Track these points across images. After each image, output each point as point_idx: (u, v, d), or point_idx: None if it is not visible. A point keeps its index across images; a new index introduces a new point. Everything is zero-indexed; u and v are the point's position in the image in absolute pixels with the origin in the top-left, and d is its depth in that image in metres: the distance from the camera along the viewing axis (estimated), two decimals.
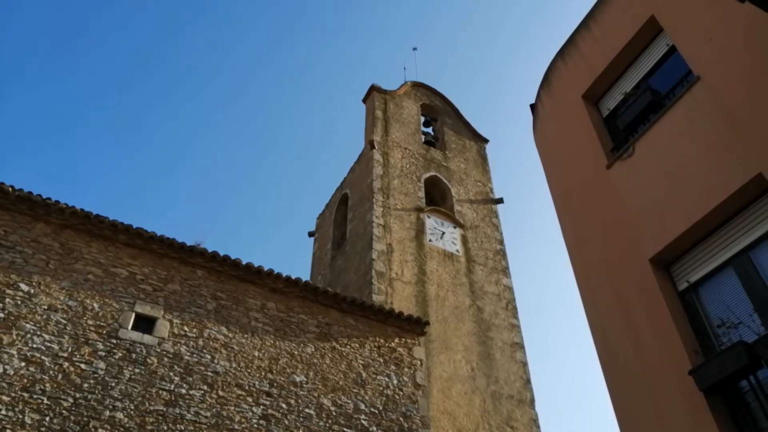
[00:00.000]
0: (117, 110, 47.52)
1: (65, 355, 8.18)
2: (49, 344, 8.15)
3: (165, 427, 8.27)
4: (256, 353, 9.72)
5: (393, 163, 17.07)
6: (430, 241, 15.63)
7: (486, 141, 20.78)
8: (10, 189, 8.85)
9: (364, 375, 10.58)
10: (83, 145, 48.64)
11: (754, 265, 4.68)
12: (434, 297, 14.23)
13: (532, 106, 8.39)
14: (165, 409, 8.43)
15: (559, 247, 48.21)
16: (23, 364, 7.84)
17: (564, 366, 40.31)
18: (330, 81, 56.99)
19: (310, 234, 19.97)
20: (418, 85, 20.85)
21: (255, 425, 8.98)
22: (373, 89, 19.02)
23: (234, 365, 9.38)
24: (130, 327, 8.89)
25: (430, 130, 20.21)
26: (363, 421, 9.98)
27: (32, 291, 8.45)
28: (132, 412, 8.17)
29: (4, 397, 7.50)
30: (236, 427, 8.81)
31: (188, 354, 9.09)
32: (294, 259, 51.28)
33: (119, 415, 8.07)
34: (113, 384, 8.27)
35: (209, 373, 9.09)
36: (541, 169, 8.04)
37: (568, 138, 7.46)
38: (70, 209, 9.18)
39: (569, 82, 7.58)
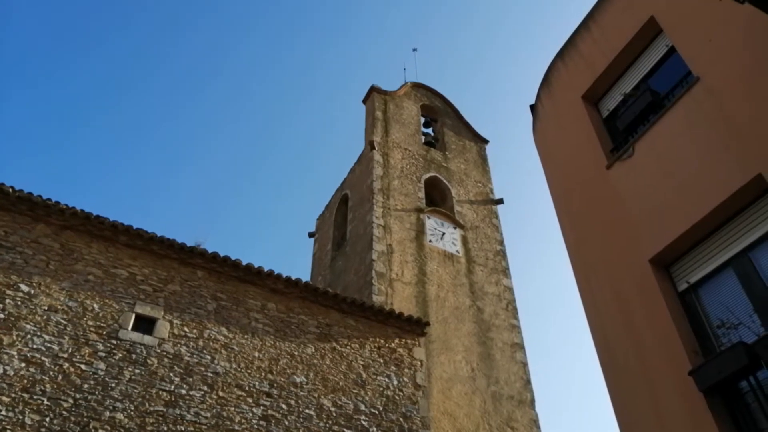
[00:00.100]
0: (117, 110, 47.56)
1: (65, 355, 8.18)
2: (49, 345, 8.16)
3: (165, 428, 8.27)
4: (257, 354, 9.72)
5: (393, 164, 17.07)
6: (430, 241, 15.63)
7: (486, 141, 20.79)
8: (11, 190, 8.85)
9: (364, 376, 10.58)
10: (83, 145, 48.68)
11: (753, 265, 4.69)
12: (434, 298, 14.24)
13: (532, 107, 8.39)
14: (165, 409, 8.43)
15: (559, 248, 48.25)
16: (23, 364, 7.85)
17: (564, 366, 40.31)
18: (330, 81, 57.04)
19: (310, 235, 19.97)
20: (418, 86, 20.86)
21: (255, 426, 8.98)
22: (373, 90, 19.02)
23: (234, 366, 9.38)
24: (130, 328, 8.90)
25: (430, 130, 20.22)
26: (363, 422, 9.98)
27: (32, 292, 8.46)
28: (132, 413, 8.17)
29: (4, 398, 7.51)
30: (236, 427, 8.81)
31: (188, 355, 9.10)
32: (294, 259, 51.34)
33: (119, 415, 8.07)
34: (113, 385, 8.27)
35: (209, 374, 9.09)
36: (541, 170, 8.04)
37: (568, 138, 7.47)
38: (70, 210, 9.18)
39: (569, 83, 7.59)
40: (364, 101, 19.34)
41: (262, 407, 9.22)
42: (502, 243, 17.25)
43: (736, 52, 5.18)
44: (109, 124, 46.98)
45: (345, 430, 9.74)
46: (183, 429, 8.40)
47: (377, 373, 10.75)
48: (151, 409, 8.34)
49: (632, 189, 5.97)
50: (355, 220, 16.47)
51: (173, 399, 8.58)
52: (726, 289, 4.89)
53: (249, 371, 9.47)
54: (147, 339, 8.92)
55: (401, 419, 10.42)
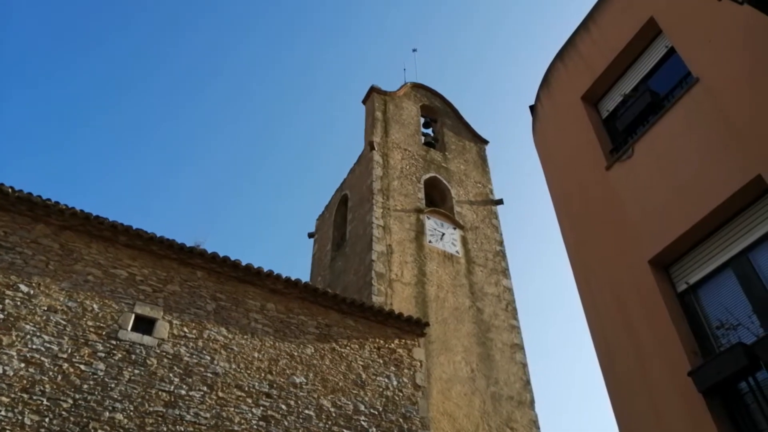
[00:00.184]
0: (117, 110, 47.56)
1: (65, 356, 8.18)
2: (48, 345, 8.15)
3: (164, 428, 8.27)
4: (256, 354, 9.72)
5: (393, 165, 17.08)
6: (429, 242, 15.63)
7: (486, 142, 20.79)
8: (10, 190, 8.85)
9: (363, 376, 10.58)
10: (83, 145, 48.68)
11: (753, 266, 4.69)
12: (434, 298, 14.23)
13: (532, 108, 8.39)
14: (164, 410, 8.43)
15: (559, 248, 48.25)
16: (23, 365, 7.85)
17: (564, 367, 40.32)
18: (330, 82, 57.06)
19: (310, 235, 19.97)
20: (417, 87, 20.87)
21: (254, 426, 8.98)
22: (373, 90, 19.03)
23: (234, 366, 9.38)
24: (129, 328, 8.90)
25: (429, 131, 20.22)
26: (363, 422, 9.98)
27: (32, 292, 8.46)
28: (131, 413, 8.17)
29: (4, 398, 7.50)
30: (236, 428, 8.81)
31: (188, 355, 9.09)
32: (294, 260, 51.34)
33: (119, 416, 8.07)
34: (113, 385, 8.27)
35: (209, 374, 9.09)
36: (541, 170, 8.05)
37: (568, 139, 7.47)
38: (69, 210, 9.18)
39: (569, 84, 7.59)
40: (364, 101, 19.34)
41: (261, 408, 9.22)
42: (501, 243, 17.25)
43: (735, 53, 5.19)
44: (108, 124, 47.01)
45: (344, 430, 9.73)
46: (182, 429, 8.39)
47: (377, 374, 10.75)
48: (151, 409, 8.34)
49: (632, 190, 5.97)
50: (354, 221, 16.47)
51: (173, 399, 8.58)
52: (725, 290, 4.90)
53: (248, 372, 9.47)
54: (146, 339, 8.92)
55: (401, 420, 10.42)
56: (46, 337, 8.20)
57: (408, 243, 15.16)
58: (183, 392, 8.71)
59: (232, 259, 10.21)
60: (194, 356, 9.14)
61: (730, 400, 4.49)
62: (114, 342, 8.64)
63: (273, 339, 10.05)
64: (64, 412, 7.75)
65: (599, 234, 6.39)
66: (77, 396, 7.96)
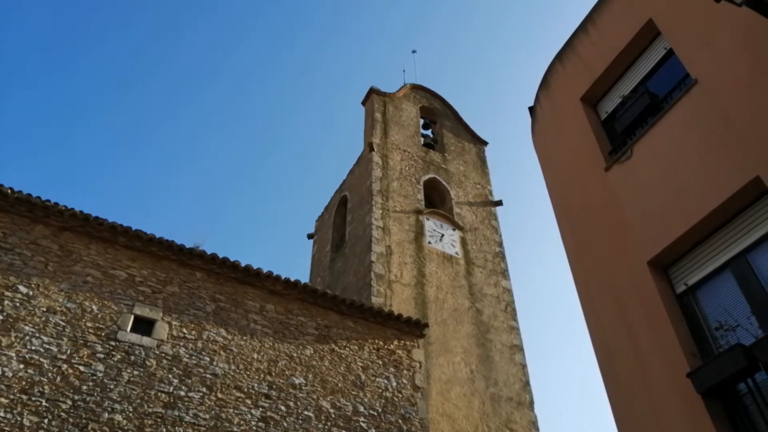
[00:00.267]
0: (117, 110, 47.57)
1: (64, 357, 8.17)
2: (47, 346, 8.15)
3: (164, 430, 8.27)
4: (255, 355, 9.71)
5: (392, 166, 17.08)
6: (429, 243, 15.64)
7: (485, 143, 20.81)
8: (9, 191, 8.85)
9: (363, 377, 10.57)
10: (83, 145, 48.68)
11: (752, 267, 4.70)
12: (433, 299, 14.24)
13: (531, 109, 8.40)
14: (164, 411, 8.43)
15: (558, 249, 48.26)
16: (22, 366, 7.84)
17: (563, 368, 40.32)
18: (329, 83, 57.09)
19: (309, 236, 19.97)
20: (417, 88, 20.89)
21: (254, 427, 8.97)
22: (373, 92, 19.04)
23: (233, 367, 9.38)
24: (128, 329, 8.89)
25: (429, 132, 20.24)
26: (362, 424, 9.98)
27: (31, 293, 8.45)
28: (131, 415, 8.16)
29: (3, 400, 7.50)
30: (235, 429, 8.80)
31: (187, 356, 9.09)
32: (293, 261, 51.33)
33: (118, 417, 8.06)
34: (112, 386, 8.26)
35: (208, 375, 9.08)
36: (540, 172, 8.06)
37: (567, 141, 7.48)
38: (69, 211, 9.18)
39: (568, 85, 7.60)
40: (364, 103, 19.36)
41: (260, 409, 9.22)
42: (501, 245, 17.26)
43: (734, 55, 5.20)
44: (108, 125, 47.01)
45: (344, 431, 9.73)
46: (182, 430, 8.39)
47: (376, 375, 10.75)
48: (150, 410, 8.34)
49: (631, 191, 5.98)
50: (354, 222, 16.47)
51: (172, 400, 8.57)
52: (724, 291, 4.90)
53: (248, 373, 9.46)
54: (146, 340, 8.91)
55: (400, 421, 10.41)
56: (45, 338, 8.19)
57: (407, 244, 15.17)
58: (182, 393, 8.71)
59: (232, 260, 10.21)
60: (193, 357, 9.13)
61: (729, 401, 4.49)
62: (113, 343, 8.63)
63: (272, 340, 10.05)
64: (63, 414, 7.75)
65: (598, 235, 6.40)
66: (76, 397, 7.95)
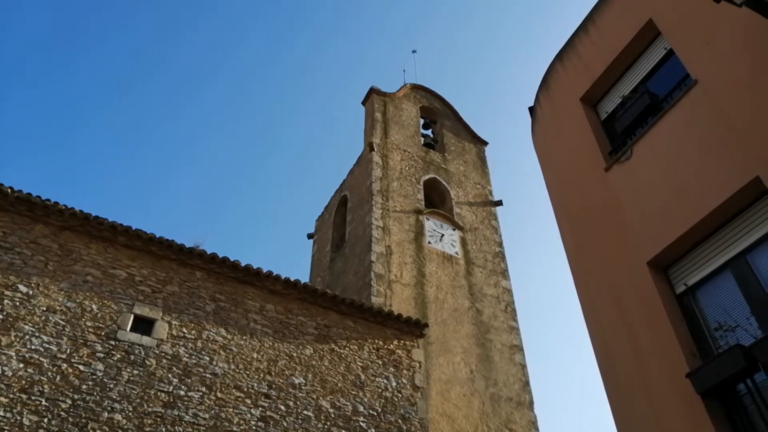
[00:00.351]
0: (116, 110, 47.58)
1: (64, 356, 8.17)
2: (47, 345, 8.15)
3: (163, 429, 8.27)
4: (255, 355, 9.71)
5: (392, 166, 17.08)
6: (429, 243, 15.64)
7: (485, 143, 20.81)
8: (10, 190, 8.85)
9: (362, 377, 10.57)
10: (83, 145, 48.69)
11: (751, 268, 4.70)
12: (433, 299, 14.24)
13: (531, 109, 8.40)
14: (163, 410, 8.43)
15: (558, 250, 48.27)
16: (21, 365, 7.84)
17: (563, 368, 40.32)
18: (329, 82, 57.10)
19: (309, 236, 19.98)
20: (417, 88, 20.89)
21: (253, 427, 8.97)
22: (373, 91, 19.04)
23: (233, 367, 9.38)
24: (128, 328, 8.89)
25: (429, 132, 20.24)
26: (362, 423, 9.98)
27: (31, 292, 8.45)
28: (130, 414, 8.16)
29: (2, 399, 7.50)
30: (235, 429, 8.80)
31: (187, 356, 9.09)
32: (293, 261, 51.33)
33: (117, 416, 8.07)
34: (111, 385, 8.27)
35: (208, 375, 9.08)
36: (540, 172, 8.06)
37: (567, 141, 7.48)
38: (69, 211, 9.18)
39: (568, 85, 7.60)
40: (364, 103, 19.36)
41: (260, 408, 9.22)
42: (501, 245, 17.26)
43: (734, 55, 5.20)
44: (108, 125, 47.02)
45: (343, 431, 9.73)
46: (181, 430, 8.39)
47: (376, 375, 10.75)
48: (150, 410, 8.34)
49: (630, 191, 5.97)
50: (354, 222, 16.47)
51: (171, 400, 8.58)
52: (724, 291, 4.90)
53: (247, 372, 9.46)
54: (145, 340, 8.92)
55: (400, 421, 10.41)
56: (45, 338, 8.20)
57: (407, 244, 15.17)
58: (182, 393, 8.71)
59: (232, 259, 10.21)
60: (193, 357, 9.14)
61: (728, 401, 4.50)
62: (113, 342, 8.64)
63: (272, 340, 10.05)
64: (62, 413, 7.75)
65: (598, 235, 6.40)
66: (76, 396, 7.95)
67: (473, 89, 55.22)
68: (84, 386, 8.08)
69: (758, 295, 4.56)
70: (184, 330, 9.32)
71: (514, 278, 16.98)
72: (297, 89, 56.99)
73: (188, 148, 53.55)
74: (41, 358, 8.01)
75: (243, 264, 10.27)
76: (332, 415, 9.79)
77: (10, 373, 7.71)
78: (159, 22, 50.49)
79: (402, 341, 11.56)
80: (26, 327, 8.16)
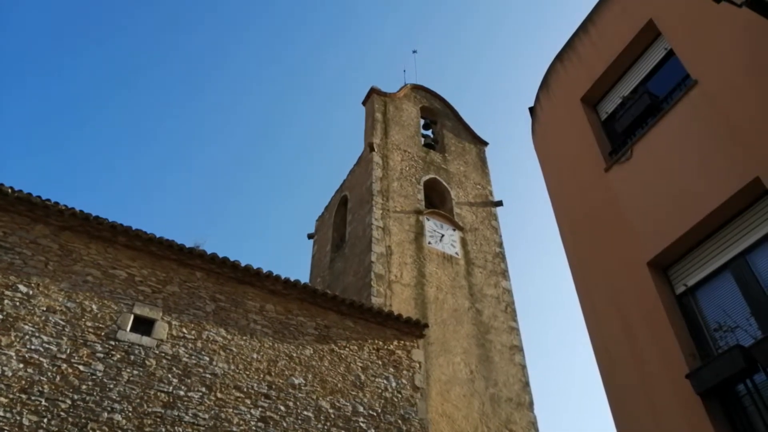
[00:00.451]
0: (117, 110, 47.60)
1: (63, 356, 8.17)
2: (47, 346, 8.15)
3: (163, 429, 8.27)
4: (255, 355, 9.71)
5: (392, 166, 17.09)
6: (429, 243, 15.63)
7: (485, 144, 20.81)
8: (10, 190, 8.85)
9: (362, 377, 10.57)
10: (83, 145, 48.71)
11: (751, 268, 4.69)
12: (433, 299, 14.23)
13: (531, 110, 8.40)
14: (163, 411, 8.43)
15: (559, 250, 48.26)
16: (21, 365, 7.84)
17: (563, 369, 40.31)
18: (330, 83, 57.12)
19: (310, 236, 19.98)
20: (417, 88, 20.89)
21: (253, 427, 8.97)
22: (373, 92, 19.05)
23: (232, 367, 9.38)
24: (128, 329, 8.89)
25: (429, 132, 20.24)
26: (361, 424, 9.98)
27: (31, 292, 8.46)
28: (130, 414, 8.16)
29: (2, 399, 7.50)
30: (234, 429, 8.80)
31: (187, 356, 9.09)
32: (293, 261, 51.34)
33: (117, 416, 8.07)
34: (111, 386, 8.27)
35: (208, 375, 9.08)
36: (540, 172, 8.06)
37: (567, 141, 7.47)
38: (69, 211, 9.18)
39: (568, 86, 7.60)
40: (364, 103, 19.36)
41: (260, 409, 9.22)
42: (501, 245, 17.25)
43: (734, 56, 5.19)
44: (108, 125, 47.04)
45: (343, 431, 9.73)
46: (181, 430, 8.39)
47: (376, 375, 10.75)
48: (149, 410, 8.34)
49: (630, 191, 5.97)
50: (354, 222, 16.47)
51: (171, 400, 8.58)
52: (723, 292, 4.90)
53: (247, 372, 9.46)
54: (145, 340, 8.92)
55: (399, 421, 10.41)
56: (45, 338, 8.20)
57: (407, 244, 15.17)
58: (182, 393, 8.71)
59: (232, 259, 10.21)
60: (193, 357, 9.14)
61: (728, 402, 4.49)
62: (113, 343, 8.64)
63: (272, 340, 10.05)
64: (62, 413, 7.75)
65: (598, 236, 6.39)
66: (76, 396, 7.95)
67: (473, 89, 55.26)
68: (84, 386, 8.08)
69: (758, 296, 4.55)
70: (184, 330, 9.32)
71: (514, 279, 17.00)
72: (297, 89, 57.03)
73: (188, 148, 53.60)
74: (41, 358, 8.01)
75: (243, 264, 10.28)
76: (332, 416, 9.79)
77: (10, 374, 7.71)
78: (159, 21, 50.54)
79: (402, 342, 11.55)
80: (26, 327, 8.16)
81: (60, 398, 7.84)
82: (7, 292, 8.28)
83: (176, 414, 8.49)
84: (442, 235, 16.12)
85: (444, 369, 12.91)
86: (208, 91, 53.01)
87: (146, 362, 8.71)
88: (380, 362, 10.98)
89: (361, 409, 10.16)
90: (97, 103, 48.35)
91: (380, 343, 11.25)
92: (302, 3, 54.10)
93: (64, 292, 8.70)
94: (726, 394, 4.50)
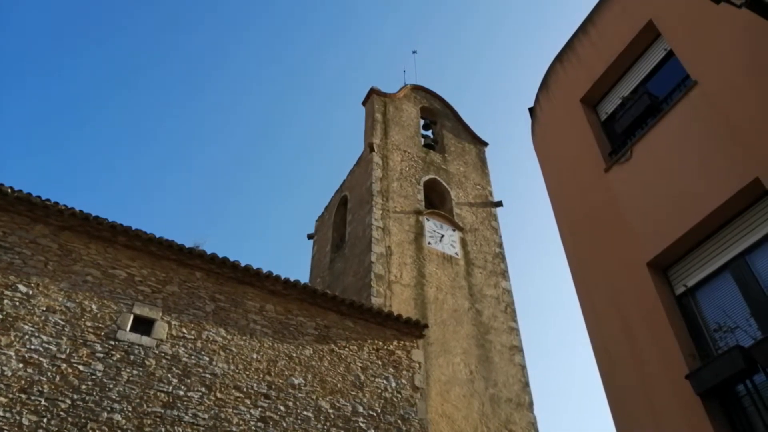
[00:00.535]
0: (117, 110, 47.60)
1: (63, 356, 8.17)
2: (47, 345, 8.15)
3: (163, 429, 8.26)
4: (255, 355, 9.71)
5: (392, 166, 17.09)
6: (429, 243, 15.63)
7: (485, 144, 20.81)
8: (9, 190, 8.86)
9: (362, 378, 10.57)
10: (83, 145, 48.71)
11: (751, 269, 4.69)
12: (433, 300, 14.23)
13: (531, 110, 8.40)
14: (163, 411, 8.43)
15: (558, 250, 48.27)
16: (21, 365, 7.84)
17: (563, 369, 40.31)
18: (329, 83, 57.12)
19: (310, 236, 19.98)
20: (417, 88, 20.89)
21: (253, 427, 8.97)
22: (373, 92, 19.05)
23: (232, 367, 9.38)
24: (128, 328, 8.89)
25: (429, 133, 20.24)
26: (361, 424, 9.98)
27: (31, 292, 8.45)
28: (130, 414, 8.16)
29: (2, 399, 7.50)
30: (234, 429, 8.80)
31: (186, 356, 9.09)
32: (293, 261, 51.33)
33: (117, 416, 8.06)
34: (111, 386, 8.26)
35: (207, 375, 9.08)
36: (540, 173, 8.06)
37: (567, 142, 7.48)
38: (69, 210, 9.18)
39: (567, 86, 7.60)
40: (364, 103, 19.36)
41: (260, 409, 9.21)
42: (501, 245, 17.26)
43: (734, 56, 5.20)
44: (108, 125, 47.04)
45: (342, 431, 9.73)
46: (181, 430, 8.39)
47: (375, 375, 10.74)
48: (149, 410, 8.34)
49: (630, 192, 5.98)
50: (354, 222, 16.47)
51: (171, 400, 8.57)
52: (723, 292, 4.90)
53: (247, 373, 9.46)
54: (145, 340, 8.91)
55: (399, 421, 10.41)
56: (45, 338, 8.19)
57: (407, 245, 15.17)
58: (181, 393, 8.71)
59: (231, 260, 10.21)
60: (193, 357, 9.14)
61: (727, 402, 4.49)
62: (112, 342, 8.64)
63: (272, 340, 10.05)
64: (62, 413, 7.75)
65: (598, 236, 6.40)
66: (75, 396, 7.95)
67: (473, 90, 55.27)
68: (83, 386, 8.08)
69: (758, 297, 4.55)
70: (184, 330, 9.32)
71: (514, 279, 17.00)
72: (297, 89, 57.04)
73: (188, 148, 53.60)
74: (41, 358, 8.01)
75: (243, 264, 10.28)
76: (332, 416, 9.79)
77: (10, 373, 7.71)
78: (159, 21, 50.54)
79: (402, 342, 11.55)
80: (26, 327, 8.16)
81: (60, 398, 7.84)
82: (6, 292, 8.28)
83: (176, 414, 8.49)
84: (442, 236, 16.12)
85: (444, 369, 12.91)
86: (208, 91, 53.03)
87: (146, 362, 8.71)
88: (380, 362, 10.98)
89: (360, 409, 10.16)
90: (97, 103, 48.37)
91: (380, 343, 11.25)
92: (302, 3, 54.13)
93: (63, 291, 8.70)
94: (726, 395, 4.50)
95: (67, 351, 8.24)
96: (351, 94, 61.38)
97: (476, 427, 12.46)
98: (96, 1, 46.67)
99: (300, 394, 9.72)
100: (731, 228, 4.93)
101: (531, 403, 13.77)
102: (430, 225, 16.16)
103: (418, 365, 11.46)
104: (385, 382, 10.77)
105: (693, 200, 5.14)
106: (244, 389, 9.27)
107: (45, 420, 7.59)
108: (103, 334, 8.64)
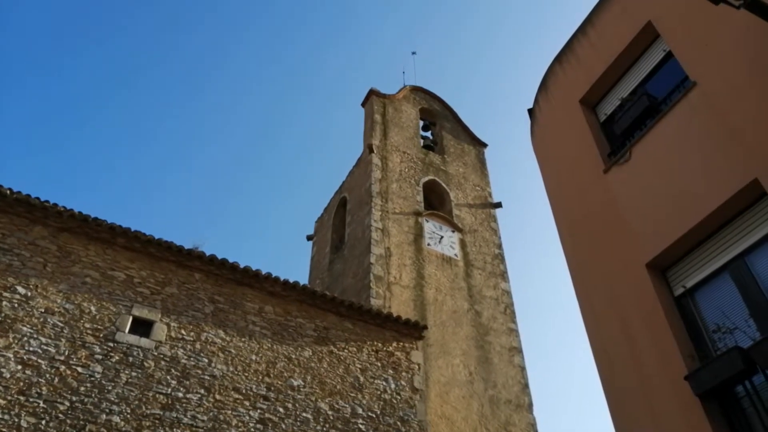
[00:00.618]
0: (116, 110, 47.60)
1: (62, 358, 8.16)
2: (45, 347, 8.14)
3: (161, 431, 8.25)
4: (254, 357, 9.70)
5: (392, 167, 17.08)
6: (428, 245, 15.63)
7: (485, 145, 20.81)
8: (8, 191, 8.85)
9: (361, 379, 10.56)
10: (83, 145, 48.70)
11: (750, 270, 4.69)
12: (432, 301, 14.23)
13: (530, 111, 8.40)
14: (162, 412, 8.41)
15: (558, 251, 48.25)
16: (19, 367, 7.83)
17: (562, 370, 40.30)
18: (329, 84, 57.15)
19: (309, 238, 19.97)
20: (416, 90, 20.90)
21: (252, 429, 8.96)
22: (372, 93, 19.05)
23: (231, 369, 9.36)
24: (127, 330, 8.88)
25: (428, 134, 20.25)
26: (360, 426, 9.96)
27: (29, 294, 8.44)
28: (128, 416, 8.15)
29: (0, 401, 7.48)
30: (233, 431, 8.78)
31: (185, 357, 9.08)
32: (292, 262, 51.32)
33: (116, 418, 8.05)
34: (110, 387, 8.25)
35: (206, 377, 9.07)
36: (539, 174, 8.06)
37: (566, 143, 7.48)
38: (68, 212, 9.17)
39: (567, 87, 7.60)
40: (363, 104, 19.37)
41: (259, 410, 9.20)
42: (500, 246, 17.25)
43: (733, 57, 5.20)
44: (107, 125, 47.03)
45: None
46: None
47: (375, 377, 10.73)
48: (148, 412, 8.32)
49: (629, 193, 5.97)
50: (353, 223, 16.46)
51: (170, 402, 8.56)
52: (722, 293, 4.90)
53: (246, 374, 9.45)
54: (144, 342, 8.90)
55: (398, 423, 10.40)
56: (43, 339, 8.18)
57: (406, 246, 15.16)
58: (180, 395, 8.69)
59: (231, 261, 10.21)
60: (192, 359, 9.12)
61: (726, 403, 4.49)
62: (111, 344, 8.62)
63: (271, 342, 10.04)
64: (60, 415, 7.73)
65: (597, 237, 6.39)
66: (74, 398, 7.94)
67: (473, 91, 55.30)
68: (82, 388, 8.07)
69: (757, 298, 4.55)
70: (183, 332, 9.31)
71: (513, 280, 17.02)
72: (297, 90, 57.06)
73: (188, 149, 53.60)
74: (39, 360, 8.00)
75: (242, 265, 10.27)
76: (331, 417, 9.78)
77: (8, 375, 7.69)
78: (159, 21, 50.56)
79: (401, 343, 11.54)
80: (24, 329, 8.14)
81: (58, 400, 7.83)
82: (5, 294, 8.26)
83: (175, 416, 8.47)
84: (441, 237, 16.11)
85: (443, 371, 12.90)
86: (208, 91, 53.04)
87: (145, 364, 8.69)
88: (379, 364, 10.97)
89: (360, 410, 10.15)
90: (97, 103, 48.36)
91: (379, 344, 11.24)
92: (302, 3, 54.17)
93: (62, 293, 8.68)
94: (725, 396, 4.49)
95: (66, 353, 8.23)
96: (351, 95, 61.44)
97: (475, 429, 12.45)
98: (96, 1, 46.70)
99: (299, 396, 9.71)
100: (730, 229, 4.93)
101: (530, 405, 13.76)
102: (430, 226, 16.16)
103: (417, 367, 11.45)
104: (384, 383, 10.76)
105: (692, 201, 5.14)
106: (243, 391, 9.26)
107: (44, 422, 7.58)
108: (101, 335, 8.63)
